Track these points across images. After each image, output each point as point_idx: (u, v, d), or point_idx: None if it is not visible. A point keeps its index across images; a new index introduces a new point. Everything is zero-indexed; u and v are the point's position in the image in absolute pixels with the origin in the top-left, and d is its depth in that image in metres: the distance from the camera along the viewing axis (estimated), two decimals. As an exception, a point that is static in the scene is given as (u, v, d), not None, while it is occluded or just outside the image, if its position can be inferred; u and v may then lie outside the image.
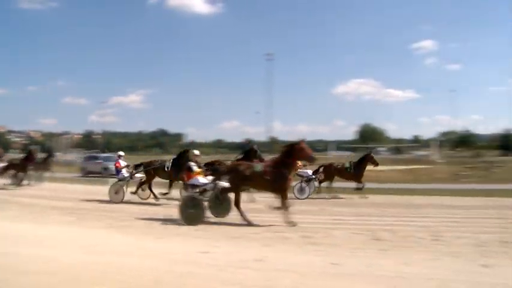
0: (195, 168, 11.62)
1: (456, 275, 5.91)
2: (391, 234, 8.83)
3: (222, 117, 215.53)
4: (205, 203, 10.61)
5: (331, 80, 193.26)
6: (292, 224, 9.81)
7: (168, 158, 15.92)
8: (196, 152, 13.12)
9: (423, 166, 37.47)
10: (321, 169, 17.51)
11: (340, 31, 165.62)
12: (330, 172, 17.49)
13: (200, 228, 9.72)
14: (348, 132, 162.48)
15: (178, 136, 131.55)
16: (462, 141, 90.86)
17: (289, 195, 14.15)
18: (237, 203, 10.57)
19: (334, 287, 5.53)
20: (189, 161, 13.47)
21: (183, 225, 9.99)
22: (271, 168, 10.33)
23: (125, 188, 15.12)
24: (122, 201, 14.67)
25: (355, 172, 17.12)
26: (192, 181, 11.29)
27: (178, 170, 14.25)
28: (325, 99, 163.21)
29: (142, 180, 15.44)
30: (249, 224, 10.19)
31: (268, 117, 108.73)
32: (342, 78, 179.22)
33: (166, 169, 15.03)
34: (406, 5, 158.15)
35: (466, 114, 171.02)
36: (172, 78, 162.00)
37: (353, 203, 14.84)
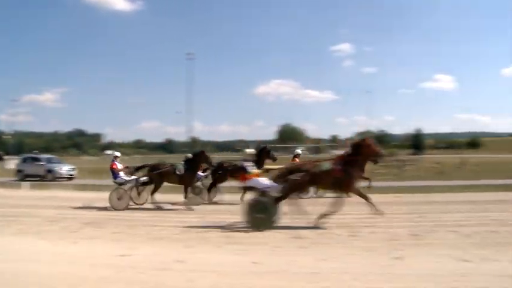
0: (252, 170, 10.86)
1: (371, 268, 6.20)
2: (311, 232, 9.05)
3: (141, 117, 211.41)
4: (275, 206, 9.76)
5: (252, 81, 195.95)
6: (380, 212, 9.71)
7: (178, 161, 14.49)
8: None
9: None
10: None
11: (261, 32, 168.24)
12: None
13: (121, 230, 9.48)
14: (268, 132, 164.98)
15: (96, 136, 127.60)
16: (377, 141, 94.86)
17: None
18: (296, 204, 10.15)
19: (254, 285, 5.60)
20: (207, 162, 13.85)
21: (102, 228, 9.71)
22: (339, 166, 9.88)
23: (130, 193, 13.63)
24: (126, 208, 13.13)
25: None
26: (251, 183, 10.42)
27: (194, 173, 13.72)
28: (246, 99, 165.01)
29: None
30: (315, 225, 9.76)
31: (189, 117, 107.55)
32: (262, 79, 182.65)
33: (178, 172, 13.60)
34: (325, 8, 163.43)
35: (381, 115, 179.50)
36: (90, 77, 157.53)
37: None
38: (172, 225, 10.08)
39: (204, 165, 14.36)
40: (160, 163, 14.51)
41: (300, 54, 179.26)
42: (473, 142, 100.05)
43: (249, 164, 10.97)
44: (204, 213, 12.14)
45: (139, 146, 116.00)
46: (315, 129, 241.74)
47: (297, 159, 15.89)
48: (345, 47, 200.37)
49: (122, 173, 14.00)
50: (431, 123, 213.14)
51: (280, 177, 10.18)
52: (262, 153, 15.12)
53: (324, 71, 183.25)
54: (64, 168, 28.64)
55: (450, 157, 52.22)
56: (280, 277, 5.86)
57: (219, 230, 9.46)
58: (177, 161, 14.30)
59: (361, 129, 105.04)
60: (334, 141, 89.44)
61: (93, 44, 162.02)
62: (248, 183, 10.48)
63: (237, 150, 76.51)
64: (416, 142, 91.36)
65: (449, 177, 23.92)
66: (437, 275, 5.86)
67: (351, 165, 9.82)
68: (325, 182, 10.03)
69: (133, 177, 13.96)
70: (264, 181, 10.30)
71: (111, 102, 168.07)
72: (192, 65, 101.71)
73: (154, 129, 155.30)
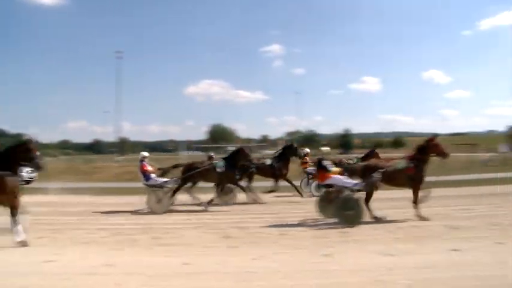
0: (332, 168, 10.77)
1: (301, 266, 6.30)
2: (241, 231, 9.07)
3: (67, 117, 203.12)
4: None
5: (182, 80, 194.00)
6: (423, 218, 9.91)
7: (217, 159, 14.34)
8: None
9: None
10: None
11: (191, 32, 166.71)
12: None
13: (45, 235, 9.04)
14: (199, 132, 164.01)
15: (18, 136, 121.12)
16: (307, 141, 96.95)
17: (307, 191, 15.50)
18: (368, 200, 10.31)
19: (185, 286, 5.53)
20: (247, 160, 13.81)
21: (24, 233, 9.21)
22: (412, 165, 10.32)
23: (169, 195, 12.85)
24: (166, 212, 12.44)
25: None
26: (331, 180, 10.50)
27: (234, 171, 13.41)
28: (176, 99, 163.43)
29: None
30: (377, 220, 9.96)
31: (118, 117, 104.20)
32: (193, 79, 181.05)
33: (218, 170, 13.20)
34: (255, 9, 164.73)
35: (310, 115, 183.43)
36: (13, 74, 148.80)
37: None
38: (100, 228, 9.77)
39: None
40: (196, 162, 14.25)
41: (231, 55, 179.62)
42: (397, 141, 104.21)
43: (328, 163, 10.91)
44: (137, 214, 11.93)
45: (65, 147, 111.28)
46: (245, 129, 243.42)
47: (307, 158, 16.46)
48: (275, 48, 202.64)
49: (153, 175, 13.25)
50: (359, 123, 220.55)
51: (360, 175, 10.52)
52: (289, 150, 15.56)
53: (255, 71, 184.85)
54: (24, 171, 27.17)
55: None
56: (212, 277, 5.82)
57: (149, 232, 9.28)
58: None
59: (291, 129, 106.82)
60: (265, 141, 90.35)
61: (15, 40, 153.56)
62: (328, 181, 10.59)
63: (168, 151, 75.40)
64: (344, 142, 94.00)
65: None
66: (364, 269, 6.04)
67: (421, 163, 10.38)
68: (399, 179, 10.46)
69: (168, 178, 13.31)
70: (345, 179, 10.45)
71: (35, 100, 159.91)
72: (121, 63, 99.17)
73: (80, 129, 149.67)
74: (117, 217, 10.91)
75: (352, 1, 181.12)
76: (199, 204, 13.08)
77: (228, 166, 13.24)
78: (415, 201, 10.27)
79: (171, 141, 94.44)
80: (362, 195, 10.24)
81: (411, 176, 10.29)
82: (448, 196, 14.32)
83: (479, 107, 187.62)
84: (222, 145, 67.85)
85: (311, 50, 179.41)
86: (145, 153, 13.93)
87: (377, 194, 10.50)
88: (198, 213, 12.05)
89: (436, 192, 10.94)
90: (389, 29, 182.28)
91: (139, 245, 8.06)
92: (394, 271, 5.91)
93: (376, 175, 10.24)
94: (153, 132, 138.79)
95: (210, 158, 15.52)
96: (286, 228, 9.34)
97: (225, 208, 12.76)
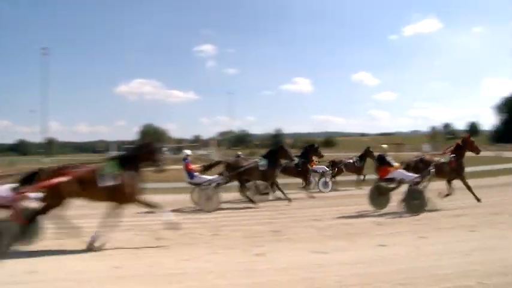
0: (394, 163, 11.80)
1: (233, 266, 6.31)
2: (173, 232, 8.93)
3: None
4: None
5: (113, 79, 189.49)
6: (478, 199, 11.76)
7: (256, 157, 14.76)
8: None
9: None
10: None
11: (122, 31, 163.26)
12: (339, 168, 18.74)
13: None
14: (130, 132, 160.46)
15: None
16: (239, 140, 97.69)
17: (314, 188, 16.64)
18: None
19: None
20: (288, 157, 14.23)
21: None
22: (453, 159, 12.01)
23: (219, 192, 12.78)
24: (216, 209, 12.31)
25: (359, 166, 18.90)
26: (394, 174, 11.59)
27: (276, 168, 13.82)
28: (106, 98, 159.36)
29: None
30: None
31: (44, 117, 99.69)
32: (124, 78, 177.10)
33: (261, 168, 13.46)
34: (188, 9, 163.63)
35: (243, 115, 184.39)
36: None
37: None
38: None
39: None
40: (239, 159, 14.20)
41: (163, 54, 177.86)
42: (328, 141, 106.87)
43: (390, 159, 11.93)
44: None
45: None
46: (177, 129, 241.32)
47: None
48: (208, 48, 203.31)
49: (197, 173, 13.19)
50: (291, 123, 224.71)
51: (412, 168, 11.74)
52: (311, 150, 16.27)
53: (187, 71, 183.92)
54: None
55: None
56: (144, 280, 5.71)
57: (78, 235, 8.92)
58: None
59: (224, 129, 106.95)
60: (197, 141, 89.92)
61: None
62: (391, 175, 11.64)
63: (98, 151, 73.17)
64: (276, 142, 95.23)
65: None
66: (296, 267, 6.13)
67: (460, 157, 12.17)
68: (445, 171, 11.97)
69: (215, 176, 13.26)
70: (406, 173, 11.56)
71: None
72: (47, 60, 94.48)
73: (3, 128, 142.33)
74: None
75: (285, 3, 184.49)
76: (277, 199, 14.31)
77: (269, 164, 13.61)
78: (468, 188, 11.97)
79: (101, 142, 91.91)
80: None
81: (453, 167, 11.99)
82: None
83: (405, 108, 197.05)
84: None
85: (244, 50, 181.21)
86: (189, 152, 13.96)
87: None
88: (129, 215, 11.71)
89: (364, 191, 11.35)
90: (321, 31, 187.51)
91: (68, 249, 7.71)
92: (325, 268, 6.06)
93: (431, 168, 11.67)
94: (82, 132, 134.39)
95: (238, 157, 15.94)
96: (219, 229, 9.33)
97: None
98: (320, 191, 16.60)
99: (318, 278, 5.62)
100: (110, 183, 7.65)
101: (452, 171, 12.03)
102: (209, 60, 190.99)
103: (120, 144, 62.91)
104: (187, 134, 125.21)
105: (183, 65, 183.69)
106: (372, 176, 18.66)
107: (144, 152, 8.27)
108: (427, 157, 12.28)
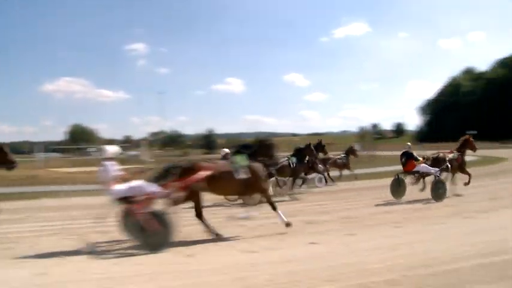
0: (419, 158, 13.59)
1: (164, 268, 6.21)
2: (102, 236, 8.68)
3: None
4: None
5: (38, 78, 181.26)
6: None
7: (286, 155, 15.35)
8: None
9: (133, 166, 38.04)
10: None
11: (48, 28, 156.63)
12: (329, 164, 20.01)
13: None
14: (58, 132, 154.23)
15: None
16: (171, 141, 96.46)
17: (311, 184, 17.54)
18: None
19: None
20: (312, 155, 15.59)
21: None
22: (459, 156, 14.13)
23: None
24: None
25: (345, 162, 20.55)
26: (419, 168, 13.36)
27: (302, 165, 15.19)
28: (31, 97, 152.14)
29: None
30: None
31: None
32: (50, 76, 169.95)
33: (292, 166, 14.84)
34: (120, 7, 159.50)
35: (174, 116, 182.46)
36: None
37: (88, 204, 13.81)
38: None
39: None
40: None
41: (93, 53, 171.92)
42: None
43: (416, 154, 13.77)
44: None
45: None
46: (108, 129, 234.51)
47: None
48: (139, 46, 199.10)
49: None
50: (223, 123, 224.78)
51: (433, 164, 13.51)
52: (319, 147, 17.08)
53: (118, 70, 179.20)
54: None
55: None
56: (71, 286, 5.47)
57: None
58: None
59: (155, 129, 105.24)
60: (128, 142, 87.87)
61: None
62: (417, 169, 13.35)
63: (23, 152, 69.61)
64: (208, 142, 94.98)
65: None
66: (227, 267, 6.12)
67: (463, 154, 14.40)
68: (454, 166, 13.89)
69: None
70: (429, 167, 13.32)
71: None
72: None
73: None
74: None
75: (218, 3, 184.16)
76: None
77: (298, 161, 14.92)
78: (469, 176, 14.11)
79: (26, 143, 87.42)
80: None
81: (459, 163, 14.07)
82: (302, 192, 15.77)
83: (335, 109, 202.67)
84: (83, 146, 64.80)
85: (176, 50, 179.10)
86: (227, 150, 13.70)
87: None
88: (56, 219, 11.24)
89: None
90: (254, 32, 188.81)
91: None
92: (256, 267, 6.09)
93: (447, 163, 13.63)
94: (5, 132, 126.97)
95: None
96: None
97: (81, 212, 12.04)
98: (317, 186, 17.65)
99: (249, 277, 5.63)
100: (244, 176, 8.47)
101: (459, 166, 14.09)
102: (140, 59, 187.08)
103: (46, 145, 60.25)
104: (118, 135, 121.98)
105: (113, 63, 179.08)
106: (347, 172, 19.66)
107: (263, 148, 9.24)
108: (441, 155, 14.09)
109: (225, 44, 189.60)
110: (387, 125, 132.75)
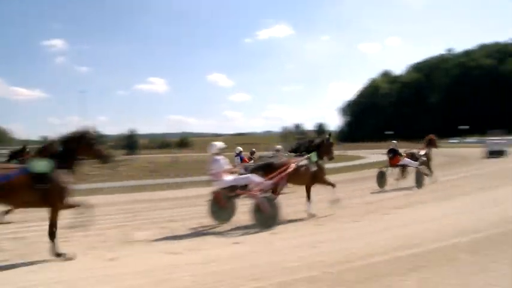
0: (403, 154, 16.11)
1: (85, 273, 6.00)
2: (16, 243, 8.25)
3: None
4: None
5: None
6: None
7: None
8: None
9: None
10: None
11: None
12: None
13: None
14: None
15: None
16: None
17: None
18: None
19: None
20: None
21: None
22: (427, 152, 16.92)
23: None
24: None
25: None
26: (404, 162, 15.89)
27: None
28: None
29: None
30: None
31: None
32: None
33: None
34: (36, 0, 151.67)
35: (95, 115, 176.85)
36: None
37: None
38: None
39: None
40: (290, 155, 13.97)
41: (6, 47, 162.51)
42: (183, 142, 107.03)
43: (401, 151, 16.32)
44: None
45: None
46: (24, 129, 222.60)
47: None
48: (58, 42, 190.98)
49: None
50: (146, 123, 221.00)
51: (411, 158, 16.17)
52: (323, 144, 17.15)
53: (34, 67, 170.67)
54: None
55: (163, 156, 54.92)
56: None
57: None
58: None
59: (75, 129, 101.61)
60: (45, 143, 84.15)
61: None
62: (401, 163, 15.90)
63: None
64: (130, 142, 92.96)
65: (162, 176, 25.01)
66: (150, 270, 6.05)
67: (430, 151, 17.10)
68: (424, 162, 16.57)
69: None
70: (411, 161, 15.89)
71: None
72: None
73: None
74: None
75: (142, 0, 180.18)
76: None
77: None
78: (430, 169, 16.77)
79: None
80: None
81: (428, 158, 16.77)
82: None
83: (258, 109, 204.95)
84: (-4, 147, 61.02)
85: (98, 47, 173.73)
86: (240, 148, 15.62)
87: (167, 194, 10.61)
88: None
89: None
90: (177, 31, 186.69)
91: None
92: (180, 268, 6.06)
93: (423, 158, 16.42)
94: None
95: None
96: (68, 236, 8.74)
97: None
98: None
99: (173, 278, 5.60)
100: (314, 169, 10.39)
101: (428, 160, 16.68)
102: (59, 56, 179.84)
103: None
104: (35, 135, 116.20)
105: (29, 60, 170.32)
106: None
107: (315, 145, 10.73)
108: (415, 151, 16.68)
109: (148, 42, 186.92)
110: (310, 125, 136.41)
